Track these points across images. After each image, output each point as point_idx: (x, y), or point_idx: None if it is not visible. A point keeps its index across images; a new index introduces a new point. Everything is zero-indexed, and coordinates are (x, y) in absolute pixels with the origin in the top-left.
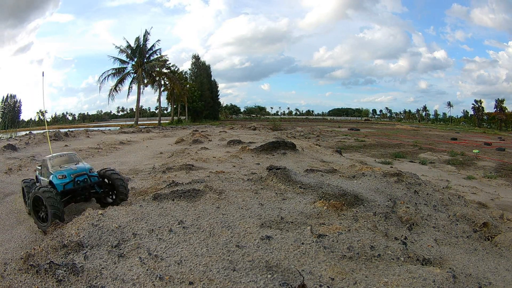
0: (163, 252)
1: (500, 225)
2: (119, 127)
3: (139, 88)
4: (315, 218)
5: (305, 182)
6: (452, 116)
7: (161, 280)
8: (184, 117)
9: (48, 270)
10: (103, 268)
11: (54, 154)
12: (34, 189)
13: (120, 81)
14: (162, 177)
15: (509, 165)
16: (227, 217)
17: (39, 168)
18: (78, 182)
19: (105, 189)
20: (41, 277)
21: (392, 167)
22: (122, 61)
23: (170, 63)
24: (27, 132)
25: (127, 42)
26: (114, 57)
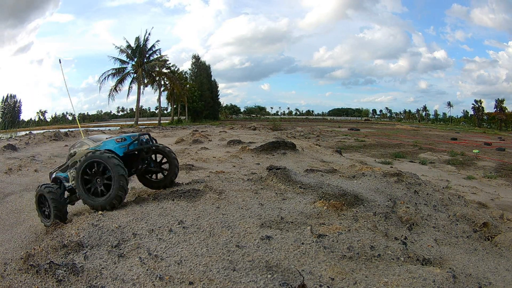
0: (163, 252)
1: (500, 225)
2: (119, 127)
3: (139, 88)
4: (315, 218)
5: (305, 182)
6: (452, 116)
7: (161, 280)
8: (184, 117)
9: (48, 270)
10: (103, 268)
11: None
12: (39, 187)
13: (120, 81)
14: None
15: (509, 165)
16: (227, 217)
17: (70, 158)
18: (142, 142)
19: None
20: (41, 277)
21: (392, 167)
22: (122, 61)
23: (170, 63)
24: (27, 132)
25: (127, 42)
26: (114, 57)
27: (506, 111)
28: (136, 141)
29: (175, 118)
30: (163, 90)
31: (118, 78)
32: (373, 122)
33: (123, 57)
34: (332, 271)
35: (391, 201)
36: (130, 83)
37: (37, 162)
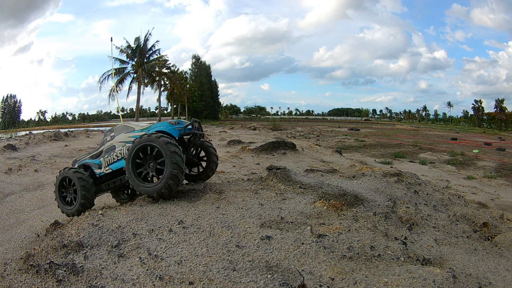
0: (163, 252)
1: (500, 225)
2: None
3: (139, 88)
4: (315, 218)
5: (305, 182)
6: (452, 116)
7: (161, 280)
8: (184, 117)
9: (48, 270)
10: (103, 268)
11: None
12: (65, 170)
13: (120, 81)
14: None
15: (509, 165)
16: (227, 217)
17: (107, 141)
18: (195, 127)
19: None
20: (41, 277)
21: (392, 167)
22: (122, 61)
23: (170, 63)
24: (27, 132)
25: (127, 42)
26: (114, 57)
27: (506, 111)
28: (190, 126)
29: (175, 118)
30: (163, 90)
31: (118, 78)
32: (373, 122)
33: (123, 57)
34: (332, 271)
35: (391, 201)
36: (130, 83)
37: (37, 162)
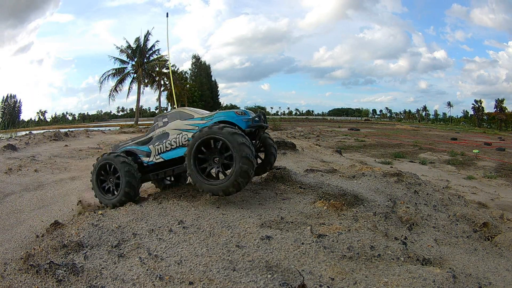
0: (163, 252)
1: (500, 225)
2: (119, 127)
3: (139, 88)
4: (315, 218)
5: (305, 182)
6: (452, 116)
7: (161, 280)
8: None
9: (48, 270)
10: (103, 268)
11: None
12: (106, 155)
13: (120, 81)
14: None
15: (509, 165)
16: (227, 217)
17: (158, 127)
18: (262, 119)
19: None
20: (41, 277)
21: (392, 167)
22: (122, 61)
23: (170, 63)
24: (27, 132)
25: (127, 42)
26: (114, 57)
27: (506, 111)
28: (257, 118)
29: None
30: (163, 90)
31: (118, 78)
32: (373, 122)
33: (123, 57)
34: (332, 271)
35: (391, 201)
36: (130, 83)
37: (37, 162)
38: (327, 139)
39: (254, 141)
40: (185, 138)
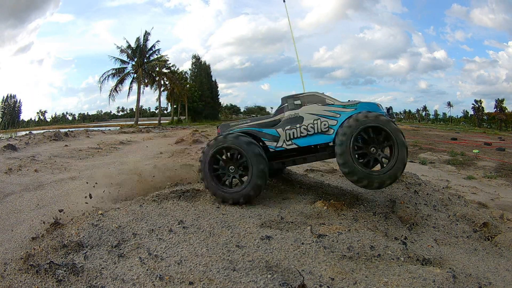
0: (163, 252)
1: (500, 225)
2: (119, 127)
3: (139, 88)
4: (315, 218)
5: (305, 182)
6: (452, 116)
7: (161, 280)
8: (184, 117)
9: (48, 270)
10: (103, 268)
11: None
12: (221, 137)
13: (121, 81)
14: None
15: (509, 165)
16: (227, 217)
17: (288, 109)
18: (390, 115)
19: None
20: (41, 277)
21: None
22: (122, 61)
23: (170, 63)
24: (27, 132)
25: (127, 42)
26: (114, 57)
27: (506, 111)
28: (386, 113)
29: (175, 118)
30: (163, 90)
31: (118, 78)
32: None
33: (124, 57)
34: (332, 271)
35: (391, 201)
36: (130, 83)
37: (37, 162)
38: None
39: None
40: (324, 125)
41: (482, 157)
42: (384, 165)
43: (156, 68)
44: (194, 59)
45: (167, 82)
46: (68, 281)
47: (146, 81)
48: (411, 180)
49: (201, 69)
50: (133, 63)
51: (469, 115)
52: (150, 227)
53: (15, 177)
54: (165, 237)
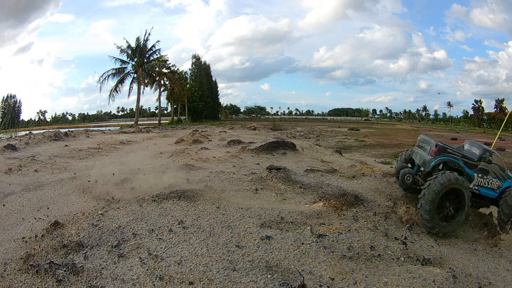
0: (163, 252)
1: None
2: (119, 127)
3: (139, 88)
4: (315, 218)
5: (305, 182)
6: (452, 116)
7: (161, 280)
8: (184, 117)
9: (48, 270)
10: (103, 268)
11: None
12: (446, 174)
13: (120, 81)
14: (162, 177)
15: (509, 165)
16: (227, 217)
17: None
18: None
19: None
20: (41, 277)
21: (392, 167)
22: (122, 61)
23: (170, 63)
24: (27, 132)
25: (127, 42)
26: (114, 57)
27: (506, 111)
28: None
29: (175, 118)
30: (163, 90)
31: (118, 78)
32: (373, 122)
33: (124, 57)
34: (332, 271)
35: (391, 201)
36: (130, 83)
37: (37, 162)
38: (327, 139)
39: None
40: (496, 184)
41: None
42: None
43: (156, 68)
44: (194, 59)
45: (167, 82)
46: (68, 281)
47: (146, 81)
48: None
49: (201, 69)
50: (133, 63)
51: (469, 115)
52: (150, 227)
53: (15, 177)
54: (165, 237)
